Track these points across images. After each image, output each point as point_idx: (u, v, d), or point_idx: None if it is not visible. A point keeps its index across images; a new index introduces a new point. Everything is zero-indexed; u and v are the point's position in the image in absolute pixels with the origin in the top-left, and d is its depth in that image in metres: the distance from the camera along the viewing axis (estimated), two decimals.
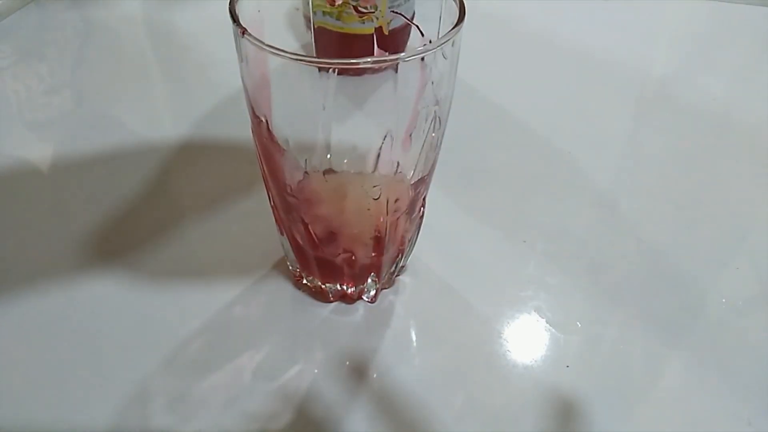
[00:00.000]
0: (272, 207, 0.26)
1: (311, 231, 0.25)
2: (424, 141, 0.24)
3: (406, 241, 0.27)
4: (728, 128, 0.40)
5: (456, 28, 0.21)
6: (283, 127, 0.23)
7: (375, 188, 0.24)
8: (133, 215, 0.32)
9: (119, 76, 0.43)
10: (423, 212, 0.27)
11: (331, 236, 0.25)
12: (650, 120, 0.41)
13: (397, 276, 0.29)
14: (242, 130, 0.25)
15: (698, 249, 0.31)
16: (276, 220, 0.27)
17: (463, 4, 0.22)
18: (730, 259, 0.31)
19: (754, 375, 0.26)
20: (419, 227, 0.28)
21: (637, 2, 0.54)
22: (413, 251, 0.29)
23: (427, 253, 0.30)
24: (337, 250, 0.26)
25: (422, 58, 0.21)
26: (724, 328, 0.28)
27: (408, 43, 0.33)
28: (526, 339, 0.27)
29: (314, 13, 0.32)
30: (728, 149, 0.38)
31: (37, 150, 0.37)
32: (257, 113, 0.23)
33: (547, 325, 0.28)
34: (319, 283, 0.27)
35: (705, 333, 0.28)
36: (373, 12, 0.28)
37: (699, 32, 0.51)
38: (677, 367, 0.26)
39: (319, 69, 0.20)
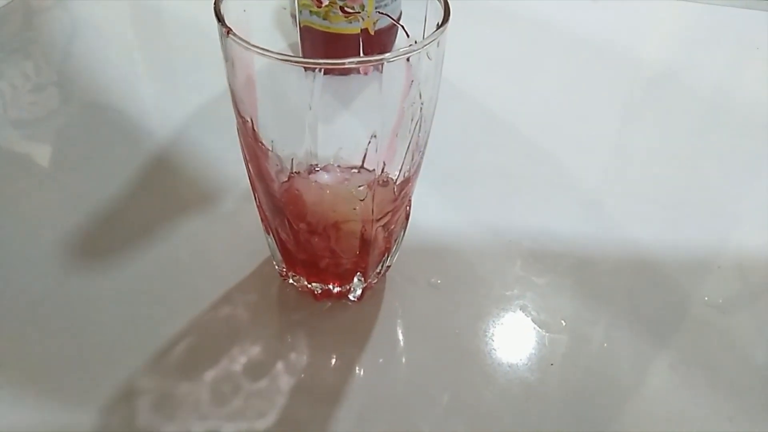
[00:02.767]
0: (258, 206, 0.26)
1: (297, 231, 0.25)
2: (410, 141, 0.24)
3: (392, 240, 0.27)
4: (712, 129, 0.41)
5: (441, 29, 0.21)
6: (269, 127, 0.23)
7: (361, 188, 0.24)
8: (119, 214, 0.32)
9: (105, 74, 0.43)
10: (409, 211, 0.27)
11: (317, 236, 0.25)
12: (634, 120, 0.42)
13: (383, 275, 0.29)
14: (229, 129, 0.25)
15: (681, 248, 0.32)
16: (262, 220, 0.27)
17: (448, 5, 0.22)
18: (712, 257, 0.31)
19: (736, 372, 0.26)
20: (405, 226, 0.28)
21: (624, 3, 0.54)
22: (399, 250, 0.29)
23: (413, 252, 0.30)
24: (323, 250, 0.26)
25: (407, 59, 0.21)
26: (707, 327, 0.28)
27: (395, 43, 0.33)
28: (512, 338, 0.27)
29: (300, 12, 0.32)
30: (711, 149, 0.39)
31: (23, 148, 0.37)
32: (242, 113, 0.23)
33: (533, 323, 0.28)
34: (305, 283, 0.27)
35: (688, 331, 0.28)
36: (360, 12, 0.28)
37: (684, 34, 0.52)
38: (660, 365, 0.27)
39: (305, 69, 0.21)
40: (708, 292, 0.30)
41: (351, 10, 0.29)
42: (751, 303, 0.29)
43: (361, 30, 0.28)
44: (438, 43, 0.21)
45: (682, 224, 0.33)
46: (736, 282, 0.30)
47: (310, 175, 0.26)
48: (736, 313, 0.29)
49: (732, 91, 0.44)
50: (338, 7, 0.30)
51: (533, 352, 0.27)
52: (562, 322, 0.28)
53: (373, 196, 0.24)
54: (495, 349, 0.27)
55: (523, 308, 0.28)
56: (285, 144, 0.24)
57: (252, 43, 0.20)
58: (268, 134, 0.23)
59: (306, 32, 0.33)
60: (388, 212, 0.25)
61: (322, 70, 0.20)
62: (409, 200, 0.27)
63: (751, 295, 0.30)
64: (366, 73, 0.20)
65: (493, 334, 0.27)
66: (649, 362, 0.27)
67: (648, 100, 0.43)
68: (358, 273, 0.27)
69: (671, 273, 0.30)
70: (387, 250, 0.27)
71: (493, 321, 0.28)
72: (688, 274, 0.30)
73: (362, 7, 0.29)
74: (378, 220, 0.25)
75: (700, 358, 0.27)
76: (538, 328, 0.28)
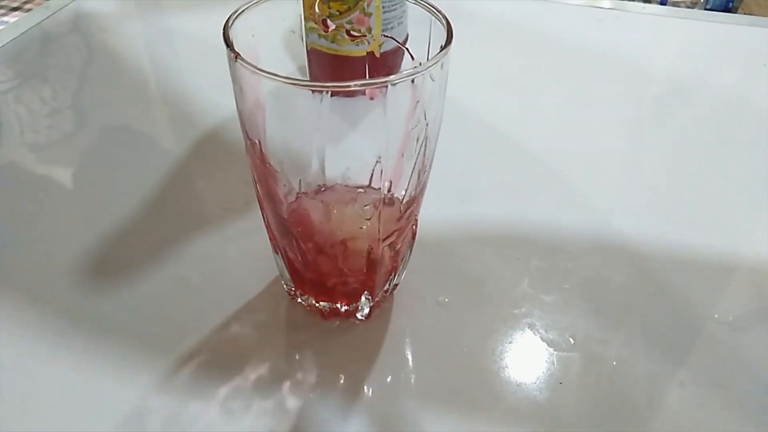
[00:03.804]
0: (267, 226, 0.27)
1: (304, 250, 0.25)
2: (416, 160, 0.24)
3: (399, 259, 0.27)
4: (721, 145, 0.41)
5: (443, 51, 0.22)
6: (277, 148, 0.24)
7: (367, 208, 0.24)
8: (131, 235, 0.33)
9: (120, 98, 0.44)
10: (415, 230, 0.28)
11: (325, 255, 0.26)
12: (642, 137, 0.42)
13: (390, 293, 0.29)
14: (239, 150, 0.25)
15: (691, 265, 0.32)
16: (270, 240, 0.27)
17: (451, 28, 0.22)
18: (722, 274, 0.31)
19: (747, 390, 0.26)
20: (412, 245, 0.28)
21: (630, 22, 0.54)
22: (406, 269, 0.29)
23: (420, 270, 0.30)
24: (331, 269, 0.26)
25: (412, 81, 0.21)
26: (717, 344, 0.28)
27: (401, 65, 0.34)
28: (520, 356, 0.27)
29: (308, 35, 0.33)
30: (721, 166, 0.39)
31: (39, 170, 0.38)
32: (251, 136, 0.23)
33: (541, 341, 0.28)
34: (314, 301, 0.28)
35: (698, 349, 0.28)
36: (366, 35, 0.29)
37: (691, 51, 0.52)
38: (670, 384, 0.26)
39: (313, 91, 0.21)
40: (718, 310, 0.29)
41: (357, 34, 0.30)
42: (762, 320, 0.29)
43: (367, 52, 0.28)
44: (441, 65, 0.22)
45: (692, 241, 0.33)
46: (747, 299, 0.30)
47: (317, 195, 0.26)
48: (746, 330, 0.29)
49: (740, 108, 0.44)
50: (345, 31, 0.31)
51: (542, 370, 0.27)
52: (571, 340, 0.28)
53: (379, 215, 0.24)
54: (503, 368, 0.27)
55: (531, 326, 0.28)
56: (293, 165, 0.25)
57: (260, 67, 0.21)
58: (276, 156, 0.24)
59: (313, 54, 0.34)
60: (394, 231, 0.25)
61: (330, 92, 0.21)
62: (416, 219, 0.27)
63: (762, 313, 0.29)
64: (372, 98, 0.20)
65: (501, 352, 0.27)
66: (659, 380, 0.26)
67: (656, 118, 0.43)
68: (366, 292, 0.27)
69: (681, 290, 0.30)
70: (394, 269, 0.27)
71: (501, 339, 0.28)
72: (698, 292, 0.30)
73: (369, 30, 0.30)
74: (384, 239, 0.25)
75: (710, 377, 0.27)
76: (546, 346, 0.28)
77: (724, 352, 0.28)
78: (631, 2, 0.60)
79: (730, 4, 1.70)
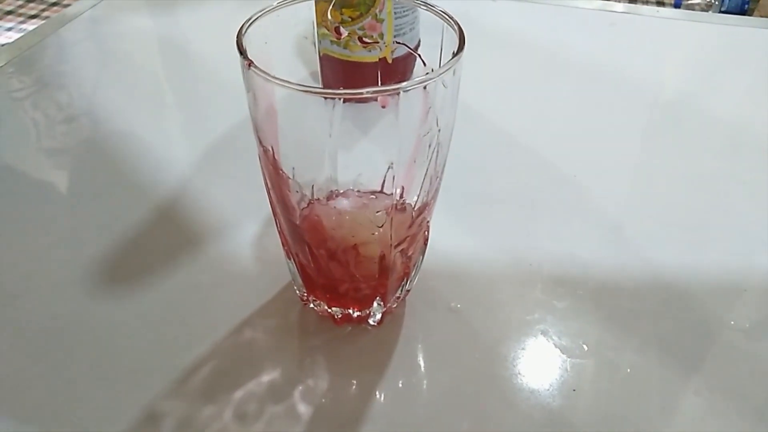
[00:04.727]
0: (279, 232, 0.27)
1: (317, 256, 0.25)
2: (428, 167, 0.24)
3: (411, 265, 0.27)
4: (733, 151, 0.40)
5: (456, 58, 0.22)
6: (290, 155, 0.24)
7: (379, 214, 0.24)
8: (144, 240, 0.33)
9: (134, 105, 0.44)
10: (427, 236, 0.28)
11: (337, 261, 0.26)
12: (655, 142, 0.41)
13: (403, 299, 0.29)
14: (252, 156, 0.25)
15: (706, 271, 0.31)
16: (283, 245, 0.27)
17: (463, 34, 0.22)
18: (738, 281, 0.31)
19: (763, 399, 0.26)
20: (424, 251, 0.28)
21: (643, 26, 0.54)
22: (419, 275, 0.29)
23: (432, 276, 0.30)
24: (343, 275, 0.26)
25: (424, 87, 0.21)
26: (733, 352, 0.28)
27: (413, 70, 0.34)
28: (533, 363, 0.27)
29: (320, 41, 0.33)
30: (735, 171, 0.38)
31: (54, 176, 0.38)
32: (264, 143, 0.23)
33: (554, 348, 0.28)
34: (326, 307, 0.28)
35: (713, 357, 0.27)
36: (378, 42, 0.29)
37: (706, 55, 0.51)
38: (685, 392, 0.26)
39: (325, 98, 0.21)
40: (734, 317, 0.29)
41: (369, 40, 0.30)
42: None
43: (380, 59, 0.29)
44: (454, 71, 0.22)
45: (706, 247, 0.33)
46: (764, 306, 0.30)
47: (330, 201, 0.26)
48: (763, 337, 0.28)
49: (756, 112, 0.43)
50: (357, 37, 0.31)
51: (555, 377, 0.27)
52: (584, 346, 0.28)
53: (391, 221, 0.24)
54: (516, 374, 0.27)
55: (544, 333, 0.28)
56: (305, 171, 0.25)
57: (273, 74, 0.21)
58: (288, 162, 0.24)
59: (326, 60, 0.34)
60: (406, 237, 0.25)
61: (342, 99, 0.21)
62: (428, 225, 0.27)
63: None
64: (384, 106, 0.21)
65: (513, 358, 0.27)
66: (673, 388, 0.26)
67: (668, 123, 0.43)
68: (378, 297, 0.27)
69: (696, 297, 0.30)
70: (406, 275, 0.27)
71: (514, 346, 0.28)
72: (713, 298, 0.30)
73: (381, 36, 0.30)
74: (396, 246, 0.25)
75: (726, 384, 0.26)
76: (559, 353, 0.27)
77: (740, 360, 0.27)
78: (645, 6, 0.59)
79: (746, 6, 1.69)
